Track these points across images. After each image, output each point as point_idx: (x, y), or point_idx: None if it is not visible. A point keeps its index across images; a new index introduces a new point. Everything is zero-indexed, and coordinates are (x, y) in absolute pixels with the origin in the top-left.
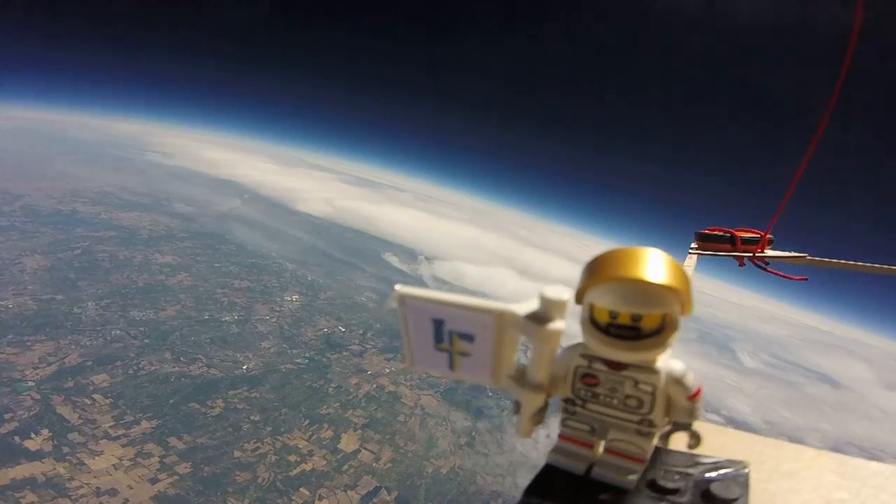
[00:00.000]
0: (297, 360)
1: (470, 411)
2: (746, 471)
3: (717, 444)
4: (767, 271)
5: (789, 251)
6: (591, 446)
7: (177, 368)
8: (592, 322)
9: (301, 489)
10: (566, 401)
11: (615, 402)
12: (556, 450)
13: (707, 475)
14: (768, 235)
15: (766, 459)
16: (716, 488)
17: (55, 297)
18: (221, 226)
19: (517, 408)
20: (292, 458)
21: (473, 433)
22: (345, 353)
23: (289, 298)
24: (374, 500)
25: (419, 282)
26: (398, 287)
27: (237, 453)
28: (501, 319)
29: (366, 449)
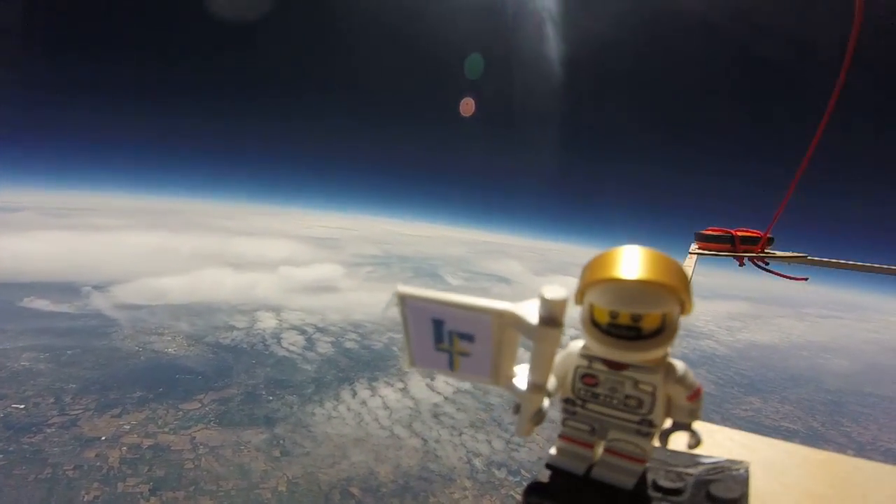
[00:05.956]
0: None
1: (259, 424)
2: (746, 471)
3: (717, 444)
4: (768, 271)
5: (789, 251)
6: (591, 446)
7: None
8: (593, 322)
9: None
10: (566, 401)
11: (615, 402)
12: (556, 450)
13: (707, 475)
14: (768, 235)
15: (766, 459)
16: (716, 488)
17: None
18: None
19: (517, 408)
20: None
21: (281, 441)
22: (48, 431)
23: None
24: None
25: (99, 317)
26: (398, 287)
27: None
28: (501, 319)
29: None
